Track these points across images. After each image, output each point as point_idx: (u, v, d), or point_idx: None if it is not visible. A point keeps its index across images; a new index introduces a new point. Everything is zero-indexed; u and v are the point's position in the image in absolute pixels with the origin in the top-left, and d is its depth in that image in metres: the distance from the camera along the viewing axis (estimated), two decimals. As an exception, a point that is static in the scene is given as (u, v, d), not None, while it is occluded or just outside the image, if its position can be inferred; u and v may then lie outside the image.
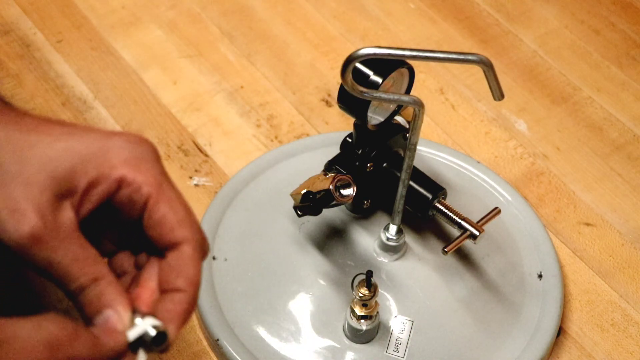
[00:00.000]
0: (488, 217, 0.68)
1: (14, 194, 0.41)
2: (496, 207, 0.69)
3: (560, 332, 0.71)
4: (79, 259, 0.42)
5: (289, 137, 0.83)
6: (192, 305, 0.44)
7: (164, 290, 0.45)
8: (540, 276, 0.72)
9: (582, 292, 0.74)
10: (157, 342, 0.42)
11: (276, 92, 0.87)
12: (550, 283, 0.71)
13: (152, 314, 0.43)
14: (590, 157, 0.83)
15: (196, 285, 0.44)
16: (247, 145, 0.82)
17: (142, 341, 0.42)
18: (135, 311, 0.43)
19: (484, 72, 0.57)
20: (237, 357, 0.65)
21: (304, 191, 0.64)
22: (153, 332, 0.42)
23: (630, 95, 0.89)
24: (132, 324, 0.43)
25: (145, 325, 0.42)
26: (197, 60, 0.89)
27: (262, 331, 0.67)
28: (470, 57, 0.56)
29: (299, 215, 0.66)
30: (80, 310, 0.43)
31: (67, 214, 0.43)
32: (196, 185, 0.79)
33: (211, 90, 0.87)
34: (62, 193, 0.43)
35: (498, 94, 0.59)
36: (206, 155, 0.81)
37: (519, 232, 0.74)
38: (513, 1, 0.98)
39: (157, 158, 0.46)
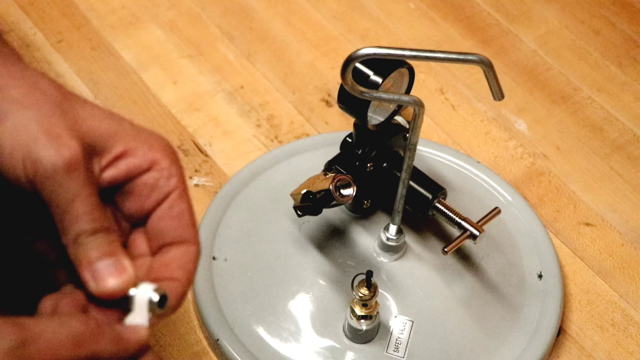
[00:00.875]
0: (488, 217, 0.68)
1: (58, 122, 0.42)
2: (496, 207, 0.69)
3: (560, 332, 0.71)
4: (100, 205, 0.43)
5: (289, 137, 0.83)
6: (183, 297, 0.45)
7: (158, 279, 0.45)
8: (540, 276, 0.72)
9: (582, 292, 0.74)
10: (161, 304, 0.43)
11: (276, 92, 0.87)
12: (550, 283, 0.71)
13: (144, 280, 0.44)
14: (590, 157, 0.83)
15: (190, 282, 0.45)
16: (247, 145, 0.82)
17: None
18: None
19: (484, 72, 0.57)
20: (237, 357, 0.66)
21: (304, 191, 0.64)
22: (156, 297, 0.42)
23: (630, 95, 0.89)
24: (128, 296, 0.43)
25: (148, 291, 0.43)
26: (197, 60, 0.89)
27: (262, 331, 0.67)
28: (470, 57, 0.56)
29: (299, 215, 0.66)
30: (80, 253, 0.43)
31: (96, 169, 0.43)
32: (196, 185, 0.79)
33: (211, 90, 0.87)
34: (95, 149, 0.43)
35: (498, 94, 0.59)
36: (206, 155, 0.81)
37: (519, 232, 0.74)
38: (513, 1, 0.98)
39: (179, 160, 0.47)
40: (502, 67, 0.91)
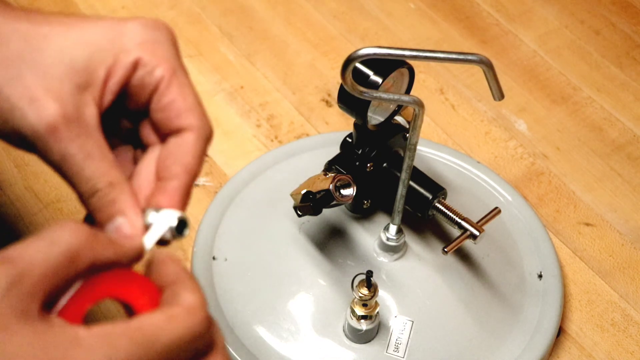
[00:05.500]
0: (488, 217, 0.68)
1: (32, 83, 0.41)
2: (496, 207, 0.69)
3: (560, 332, 0.71)
4: (95, 158, 0.41)
5: (289, 137, 0.83)
6: (185, 195, 0.43)
7: (160, 177, 0.44)
8: (540, 276, 0.72)
9: (582, 292, 0.74)
10: (180, 230, 0.42)
11: (276, 92, 0.87)
12: (550, 283, 0.71)
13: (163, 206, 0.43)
14: (590, 157, 0.83)
15: (192, 175, 0.44)
16: (247, 145, 0.82)
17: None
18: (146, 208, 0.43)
19: (484, 72, 0.57)
20: (237, 357, 0.65)
21: (304, 191, 0.64)
22: (174, 223, 0.42)
23: (630, 95, 0.89)
24: (145, 224, 0.42)
25: (167, 220, 0.42)
26: (197, 60, 0.89)
27: (262, 331, 0.67)
28: (470, 57, 0.55)
29: (299, 215, 0.66)
30: (92, 213, 0.42)
31: (90, 110, 0.42)
32: (196, 185, 0.79)
33: (211, 90, 0.87)
34: (82, 84, 0.42)
35: (498, 94, 0.59)
36: (206, 155, 0.81)
37: (519, 232, 0.74)
38: (513, 1, 0.98)
39: (174, 42, 0.45)
40: (502, 67, 0.91)
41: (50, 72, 0.41)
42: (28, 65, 0.41)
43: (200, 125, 0.44)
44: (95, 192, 0.41)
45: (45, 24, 0.43)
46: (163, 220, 0.42)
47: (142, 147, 0.46)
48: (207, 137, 0.45)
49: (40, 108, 0.40)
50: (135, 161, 0.46)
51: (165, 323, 0.37)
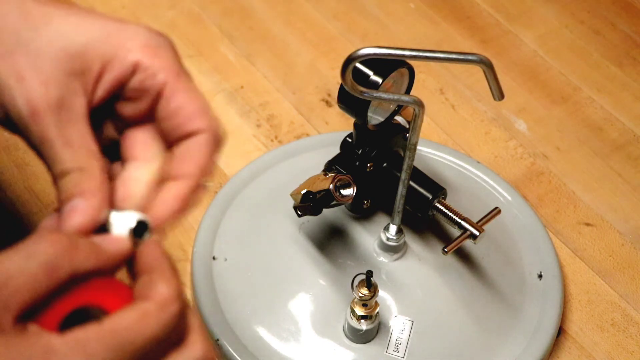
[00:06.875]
0: (488, 217, 0.68)
1: (22, 61, 0.40)
2: (496, 207, 0.69)
3: (560, 332, 0.71)
4: (73, 145, 0.40)
5: (289, 137, 0.83)
6: (193, 193, 0.42)
7: (172, 177, 0.43)
8: (540, 276, 0.72)
9: (582, 292, 0.74)
10: (138, 233, 0.41)
11: (276, 92, 0.87)
12: (550, 283, 0.71)
13: (129, 208, 0.42)
14: (590, 157, 0.83)
15: (204, 172, 0.43)
16: (247, 145, 0.82)
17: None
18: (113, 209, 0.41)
19: (484, 72, 0.57)
20: (237, 357, 0.66)
21: (304, 191, 0.64)
22: (132, 224, 0.40)
23: (630, 95, 0.89)
24: (107, 220, 0.41)
25: (127, 221, 0.41)
26: (197, 60, 0.89)
27: (262, 331, 0.67)
28: (470, 57, 0.55)
29: (299, 215, 0.66)
30: (58, 196, 0.41)
31: (78, 98, 0.41)
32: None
33: (211, 90, 0.87)
34: (73, 71, 0.41)
35: (498, 94, 0.59)
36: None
37: (519, 232, 0.74)
38: (513, 1, 0.98)
39: (175, 50, 0.44)
40: (502, 67, 0.91)
41: (43, 53, 0.41)
42: (22, 42, 0.41)
43: (211, 127, 0.43)
44: (65, 175, 0.40)
45: (50, 4, 0.42)
46: (123, 221, 0.41)
47: (118, 159, 0.45)
48: (218, 139, 0.43)
49: (27, 88, 0.40)
50: (110, 175, 0.45)
51: (137, 323, 0.37)
